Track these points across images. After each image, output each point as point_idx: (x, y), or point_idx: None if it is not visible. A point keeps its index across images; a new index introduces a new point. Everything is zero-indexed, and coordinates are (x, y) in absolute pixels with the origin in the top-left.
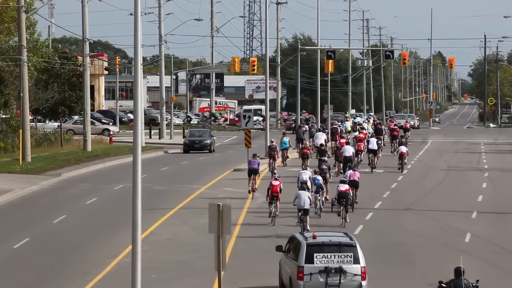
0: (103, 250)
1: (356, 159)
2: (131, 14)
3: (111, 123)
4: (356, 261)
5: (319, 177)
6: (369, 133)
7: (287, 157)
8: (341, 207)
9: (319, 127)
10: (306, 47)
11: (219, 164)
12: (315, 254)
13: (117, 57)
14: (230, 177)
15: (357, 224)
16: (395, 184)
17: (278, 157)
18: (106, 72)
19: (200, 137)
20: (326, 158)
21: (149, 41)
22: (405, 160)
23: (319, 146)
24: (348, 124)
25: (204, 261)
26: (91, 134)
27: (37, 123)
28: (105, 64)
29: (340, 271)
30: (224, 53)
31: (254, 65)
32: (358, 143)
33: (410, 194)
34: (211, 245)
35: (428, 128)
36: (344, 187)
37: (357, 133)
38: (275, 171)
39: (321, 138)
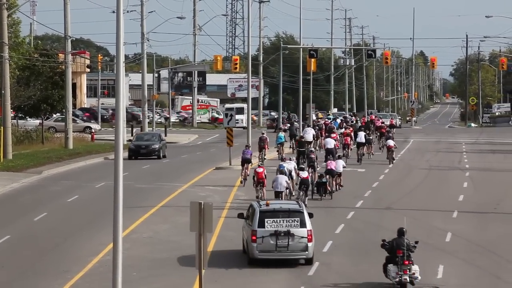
0: (84, 248)
1: (344, 152)
2: (114, 12)
3: (92, 121)
4: (303, 225)
5: (285, 164)
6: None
7: (283, 151)
8: (301, 192)
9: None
10: (288, 46)
11: (201, 162)
12: (266, 219)
13: (99, 55)
14: (212, 175)
15: (338, 223)
16: (376, 183)
17: (267, 148)
18: (88, 70)
19: (148, 141)
20: (312, 149)
21: (131, 39)
22: (393, 154)
23: (298, 139)
24: (339, 121)
25: (185, 259)
26: (73, 131)
27: (19, 121)
28: (87, 61)
29: (288, 234)
30: (206, 52)
31: (236, 64)
32: (345, 138)
33: (392, 193)
34: (192, 243)
35: (410, 127)
36: (304, 174)
37: (343, 129)
38: (265, 159)
39: (309, 133)
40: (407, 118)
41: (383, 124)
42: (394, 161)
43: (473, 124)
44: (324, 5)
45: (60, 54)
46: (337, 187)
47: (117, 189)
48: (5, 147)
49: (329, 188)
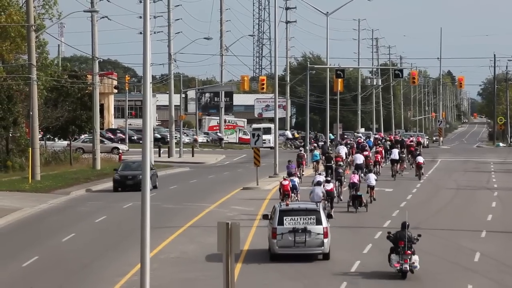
0: (112, 269)
1: (375, 168)
2: (141, 33)
3: (120, 142)
4: (319, 222)
5: (296, 179)
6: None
7: (318, 167)
8: (327, 203)
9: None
10: (315, 66)
11: (228, 182)
12: (284, 218)
13: (127, 76)
14: (239, 196)
15: (366, 243)
16: (404, 203)
17: (305, 164)
18: (115, 91)
19: (136, 170)
20: (341, 163)
21: (158, 60)
22: (422, 170)
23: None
24: (372, 140)
25: (213, 280)
26: (100, 152)
27: (47, 142)
28: (115, 82)
29: (305, 231)
30: (233, 72)
31: (263, 84)
32: (376, 155)
33: (420, 213)
34: (220, 264)
35: (438, 147)
36: (329, 186)
37: (374, 148)
38: (303, 175)
39: (342, 151)
40: (434, 138)
41: (412, 143)
42: (422, 178)
43: (501, 144)
44: (351, 26)
45: (88, 75)
46: (371, 199)
47: (144, 209)
48: (33, 168)
49: (364, 201)
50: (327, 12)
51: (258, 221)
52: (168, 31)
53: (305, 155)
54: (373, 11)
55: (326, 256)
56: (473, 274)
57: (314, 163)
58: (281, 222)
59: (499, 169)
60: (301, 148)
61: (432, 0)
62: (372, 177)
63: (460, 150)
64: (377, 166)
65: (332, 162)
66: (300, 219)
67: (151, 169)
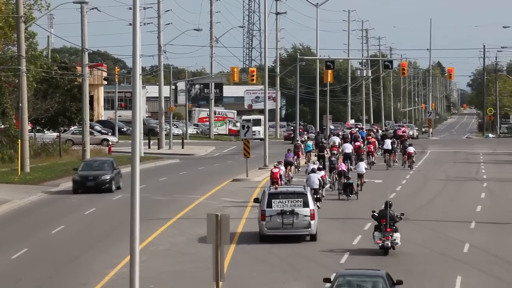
0: (101, 261)
1: (368, 158)
2: (130, 24)
3: (110, 133)
4: (306, 205)
5: (282, 167)
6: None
7: (310, 157)
8: (321, 190)
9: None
10: (305, 57)
11: (218, 174)
12: (273, 200)
13: (116, 67)
14: (229, 187)
15: (355, 234)
16: (393, 194)
17: (302, 154)
18: (105, 82)
19: (97, 170)
20: (335, 152)
21: (148, 51)
22: (413, 159)
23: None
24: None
25: (202, 271)
26: (90, 144)
27: (36, 134)
28: (104, 74)
29: (292, 213)
30: (223, 63)
31: (253, 75)
32: (368, 145)
33: (409, 204)
34: (209, 255)
35: (427, 138)
36: (321, 173)
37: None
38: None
39: (335, 141)
40: (423, 129)
41: (403, 134)
42: (413, 167)
43: (490, 135)
44: (341, 17)
45: (77, 67)
46: (360, 187)
47: (134, 201)
48: (22, 160)
49: (355, 189)
50: (317, 3)
51: (248, 212)
52: (158, 22)
53: (301, 146)
54: (363, 1)
55: (313, 238)
56: (463, 265)
57: (307, 153)
58: (269, 205)
59: (488, 160)
60: (297, 139)
61: None
62: (362, 165)
63: (450, 141)
64: (370, 157)
65: (325, 152)
66: (288, 202)
67: (114, 168)
